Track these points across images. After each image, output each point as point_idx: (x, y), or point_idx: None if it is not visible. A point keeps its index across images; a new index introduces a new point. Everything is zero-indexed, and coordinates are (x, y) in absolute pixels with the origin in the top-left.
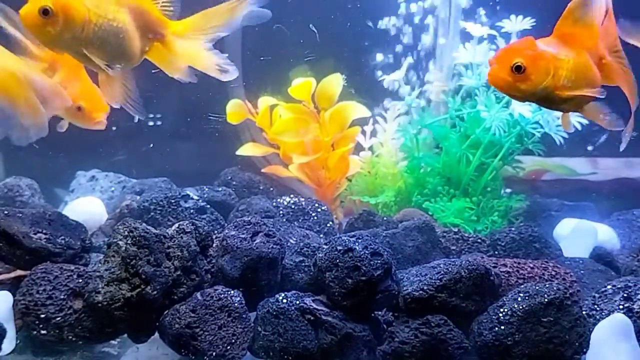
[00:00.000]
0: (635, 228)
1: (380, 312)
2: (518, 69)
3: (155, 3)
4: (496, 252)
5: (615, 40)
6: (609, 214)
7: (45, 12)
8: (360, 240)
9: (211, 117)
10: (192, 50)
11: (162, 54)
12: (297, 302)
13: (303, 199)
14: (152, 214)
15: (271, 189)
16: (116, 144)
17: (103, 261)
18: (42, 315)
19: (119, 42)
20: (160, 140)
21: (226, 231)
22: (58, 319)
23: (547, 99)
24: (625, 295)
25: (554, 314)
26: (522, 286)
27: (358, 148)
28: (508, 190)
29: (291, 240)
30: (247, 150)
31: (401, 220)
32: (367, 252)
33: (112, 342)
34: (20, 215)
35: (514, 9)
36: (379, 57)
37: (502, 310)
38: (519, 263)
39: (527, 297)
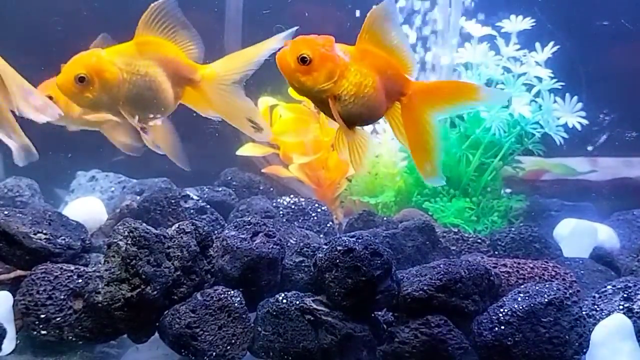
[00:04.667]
0: (635, 228)
1: (380, 312)
2: (303, 60)
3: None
4: (496, 252)
5: (435, 102)
6: (609, 214)
7: (81, 79)
8: (360, 241)
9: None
10: (225, 97)
11: (195, 98)
12: (297, 302)
13: (303, 199)
14: (152, 214)
15: (271, 189)
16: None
17: (103, 261)
18: (42, 316)
19: (154, 94)
20: None
21: (226, 231)
22: (58, 319)
23: (323, 104)
24: (625, 295)
25: (554, 314)
26: (522, 286)
27: None
28: (508, 190)
29: (291, 241)
30: (247, 150)
31: (401, 220)
32: (367, 252)
33: (112, 342)
34: (20, 215)
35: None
36: None
37: (502, 310)
38: (519, 263)
39: (527, 297)
